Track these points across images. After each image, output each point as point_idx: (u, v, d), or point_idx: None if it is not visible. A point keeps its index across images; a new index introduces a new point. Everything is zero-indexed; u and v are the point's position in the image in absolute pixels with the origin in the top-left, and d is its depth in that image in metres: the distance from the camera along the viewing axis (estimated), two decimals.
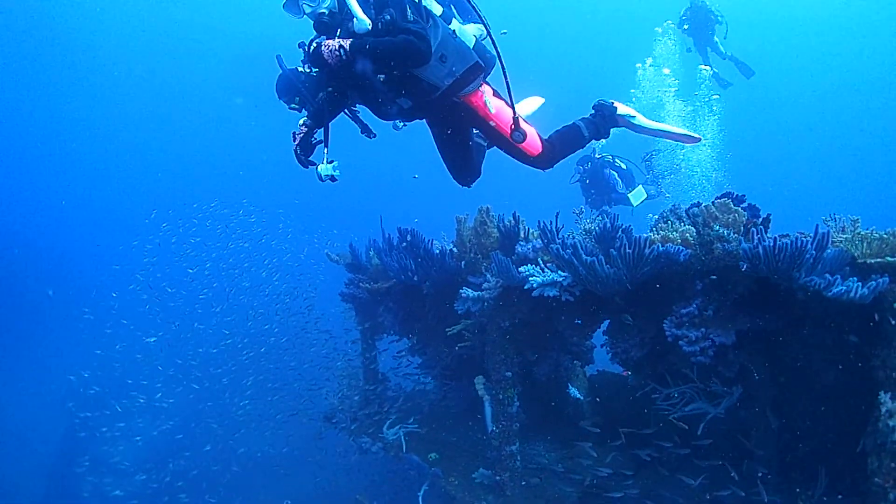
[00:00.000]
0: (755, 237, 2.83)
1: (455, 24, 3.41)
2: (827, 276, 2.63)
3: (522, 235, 4.51)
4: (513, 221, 4.55)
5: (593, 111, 3.94)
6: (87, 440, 9.87)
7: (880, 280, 2.58)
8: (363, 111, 3.60)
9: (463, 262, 5.10)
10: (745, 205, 3.49)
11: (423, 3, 3.19)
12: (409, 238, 5.44)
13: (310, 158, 3.36)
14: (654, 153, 9.50)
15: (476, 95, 3.49)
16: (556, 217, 4.06)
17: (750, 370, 3.59)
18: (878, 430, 2.80)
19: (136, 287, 11.78)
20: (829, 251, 2.70)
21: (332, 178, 3.30)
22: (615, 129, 4.01)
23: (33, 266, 18.32)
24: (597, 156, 8.87)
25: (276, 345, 8.87)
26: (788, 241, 2.65)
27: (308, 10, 3.07)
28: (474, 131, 3.81)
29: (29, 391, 12.35)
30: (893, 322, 2.66)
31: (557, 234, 3.82)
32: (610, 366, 4.84)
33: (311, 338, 8.21)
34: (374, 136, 3.66)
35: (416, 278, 5.53)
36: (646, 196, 8.69)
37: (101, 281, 11.97)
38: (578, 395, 5.15)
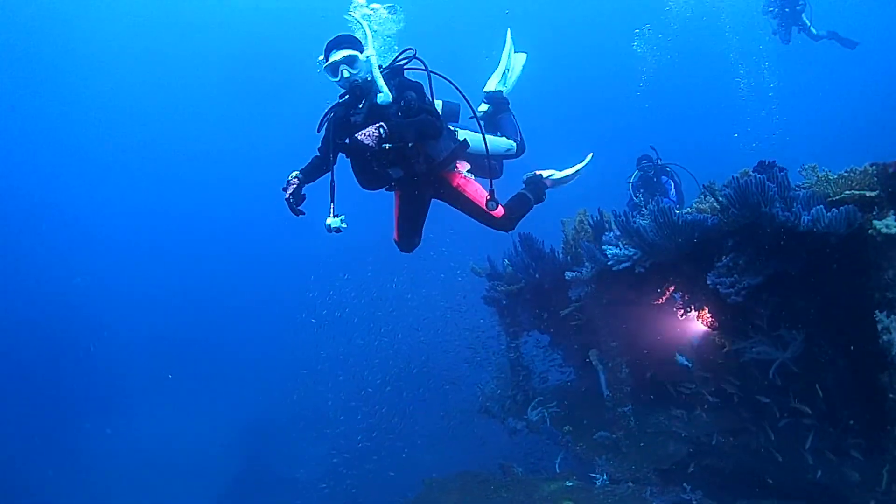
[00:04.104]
0: (733, 182, 3.46)
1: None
2: (795, 210, 3.18)
3: (607, 227, 5.36)
4: (598, 216, 5.44)
5: (525, 184, 4.52)
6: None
7: (843, 208, 3.05)
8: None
9: (569, 257, 6.04)
10: (775, 169, 4.03)
11: None
12: (527, 241, 6.55)
13: (299, 207, 3.64)
14: None
15: (456, 171, 4.06)
16: (631, 208, 4.92)
17: (810, 323, 3.99)
18: (882, 348, 3.15)
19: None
20: (802, 192, 3.24)
21: (338, 230, 3.63)
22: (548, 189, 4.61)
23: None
24: (658, 161, 8.33)
25: (439, 346, 10.58)
26: (750, 178, 3.26)
27: (347, 75, 3.43)
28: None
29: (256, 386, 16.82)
30: (873, 248, 3.07)
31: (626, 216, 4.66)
32: None
33: (465, 337, 9.69)
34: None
35: (537, 275, 6.59)
36: None
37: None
38: (686, 363, 5.68)
